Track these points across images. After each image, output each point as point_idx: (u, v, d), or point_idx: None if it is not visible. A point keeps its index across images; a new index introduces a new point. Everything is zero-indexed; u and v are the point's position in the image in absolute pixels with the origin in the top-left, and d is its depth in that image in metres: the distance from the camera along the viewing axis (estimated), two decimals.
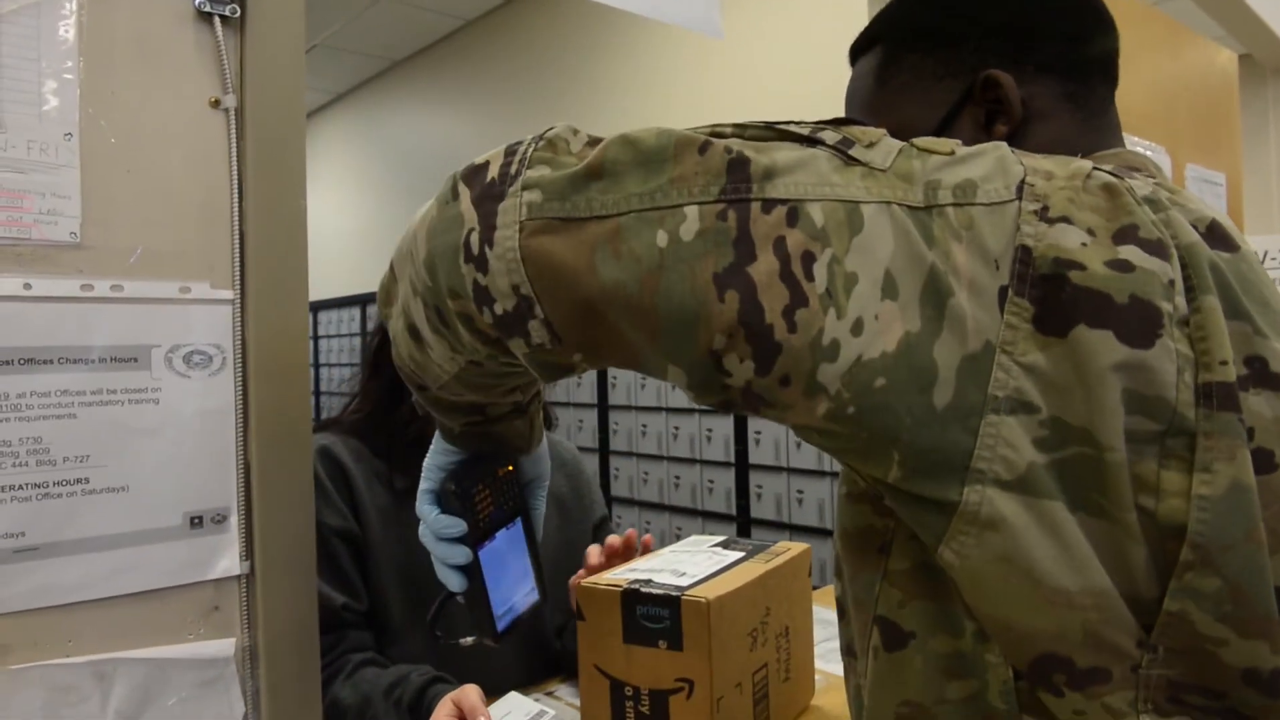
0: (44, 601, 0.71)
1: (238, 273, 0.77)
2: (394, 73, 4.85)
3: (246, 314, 0.78)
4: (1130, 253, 0.47)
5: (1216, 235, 0.52)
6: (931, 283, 0.46)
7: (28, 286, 0.70)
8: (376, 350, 1.38)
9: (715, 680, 0.90)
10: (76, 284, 0.72)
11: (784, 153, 0.50)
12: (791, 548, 1.12)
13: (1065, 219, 0.48)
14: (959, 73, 0.66)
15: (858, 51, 0.74)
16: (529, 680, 1.24)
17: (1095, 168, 0.52)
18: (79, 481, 0.72)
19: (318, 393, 5.63)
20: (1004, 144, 0.52)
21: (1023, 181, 0.49)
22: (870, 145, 0.50)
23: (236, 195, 0.77)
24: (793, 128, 0.52)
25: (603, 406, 3.47)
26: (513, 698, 1.09)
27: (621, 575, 0.99)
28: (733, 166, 0.49)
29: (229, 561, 0.78)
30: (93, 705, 0.72)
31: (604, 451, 3.47)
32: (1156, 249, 0.48)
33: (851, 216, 0.47)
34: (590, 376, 3.52)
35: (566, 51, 3.66)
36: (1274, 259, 4.20)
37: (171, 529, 0.76)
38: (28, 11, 0.70)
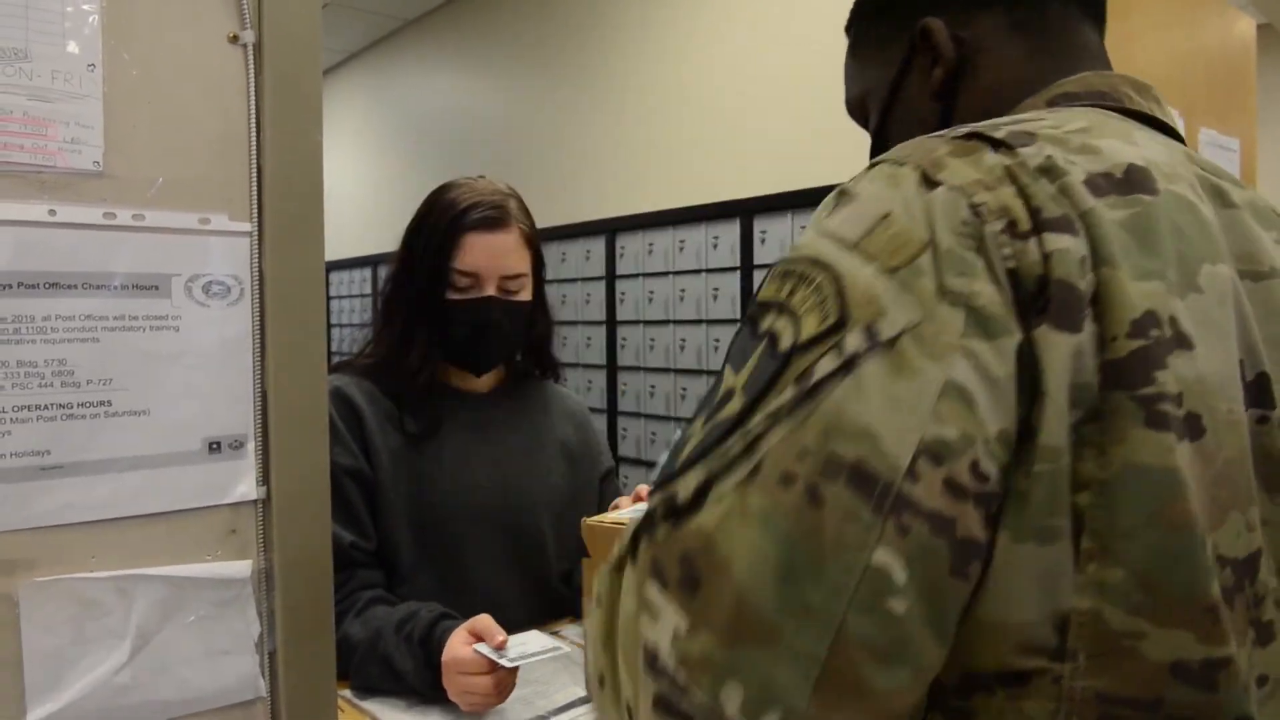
0: (68, 519, 0.73)
1: (255, 205, 0.79)
2: (406, 32, 4.83)
3: (264, 246, 0.79)
4: (1045, 238, 0.45)
5: (1134, 180, 0.49)
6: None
7: (52, 213, 0.72)
8: (389, 298, 1.40)
9: None
10: (99, 212, 0.73)
11: None
12: None
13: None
14: (902, 30, 0.67)
15: (846, 33, 0.78)
16: (533, 623, 1.28)
17: (991, 141, 0.49)
18: (102, 404, 0.74)
19: (329, 354, 5.66)
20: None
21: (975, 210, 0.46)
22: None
23: (254, 129, 0.79)
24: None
25: (611, 367, 3.50)
26: (530, 634, 1.12)
27: (626, 514, 1.02)
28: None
29: (246, 486, 0.80)
30: (115, 619, 0.75)
31: (612, 412, 3.50)
32: (1064, 225, 0.46)
33: None
34: (599, 337, 3.54)
35: (582, 11, 3.64)
36: None
37: (191, 453, 0.78)
38: None
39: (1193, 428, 0.45)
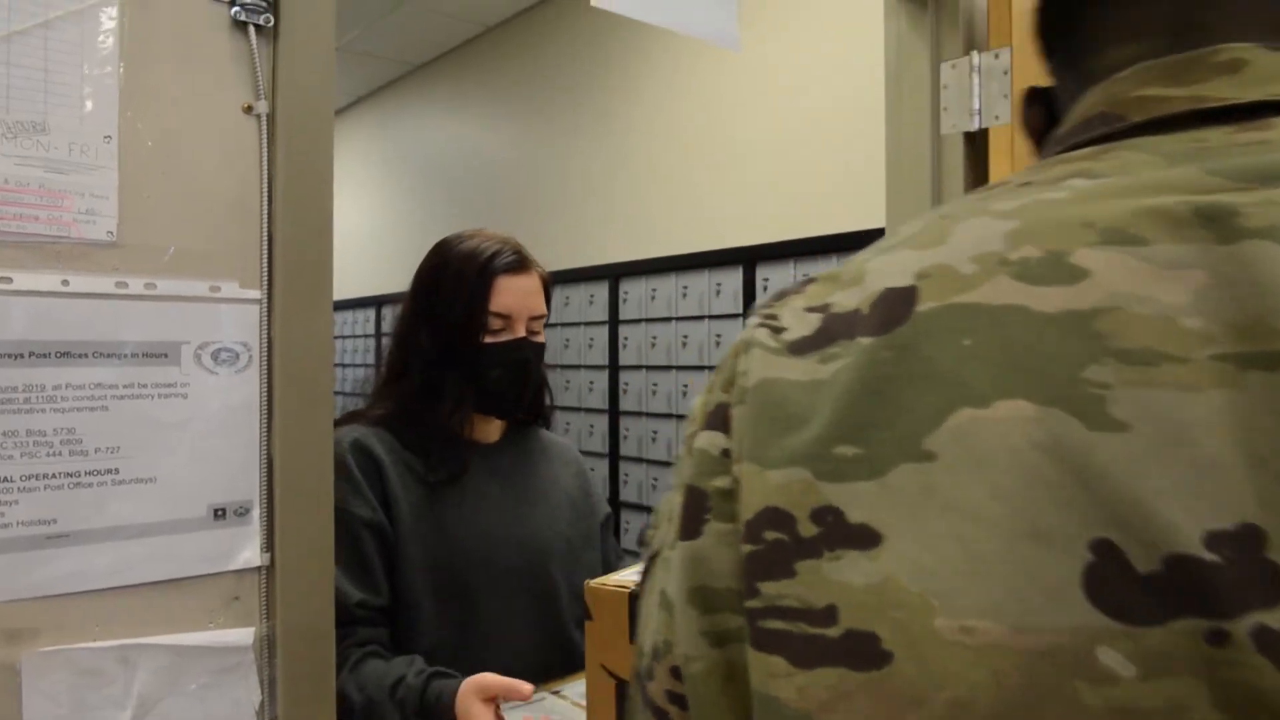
0: (73, 587, 0.73)
1: (265, 273, 0.80)
2: (414, 77, 4.90)
3: (273, 313, 0.80)
4: (699, 436, 0.40)
5: (868, 319, 0.36)
6: None
7: (65, 283, 0.73)
8: (409, 347, 1.39)
9: None
10: (112, 281, 0.74)
11: None
12: None
13: None
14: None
15: None
16: (549, 672, 1.26)
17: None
18: (109, 471, 0.74)
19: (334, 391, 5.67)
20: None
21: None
22: None
23: (266, 198, 0.80)
24: None
25: (614, 412, 3.50)
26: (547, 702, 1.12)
27: (629, 577, 1.01)
28: None
29: (250, 553, 0.80)
30: (117, 689, 0.75)
31: (614, 456, 3.49)
32: (717, 419, 0.40)
33: None
34: (602, 382, 3.55)
35: (585, 59, 3.70)
36: None
37: (196, 520, 0.78)
38: (72, 18, 0.73)
39: (861, 653, 0.32)
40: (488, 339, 1.32)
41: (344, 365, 5.56)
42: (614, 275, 3.48)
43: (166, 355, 0.77)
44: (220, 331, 0.79)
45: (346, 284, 5.52)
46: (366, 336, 5.30)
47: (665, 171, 3.28)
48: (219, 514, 0.79)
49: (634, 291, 3.40)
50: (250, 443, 0.80)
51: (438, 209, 4.68)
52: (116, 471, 0.74)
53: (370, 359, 5.27)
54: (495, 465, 1.39)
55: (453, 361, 1.34)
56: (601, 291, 3.55)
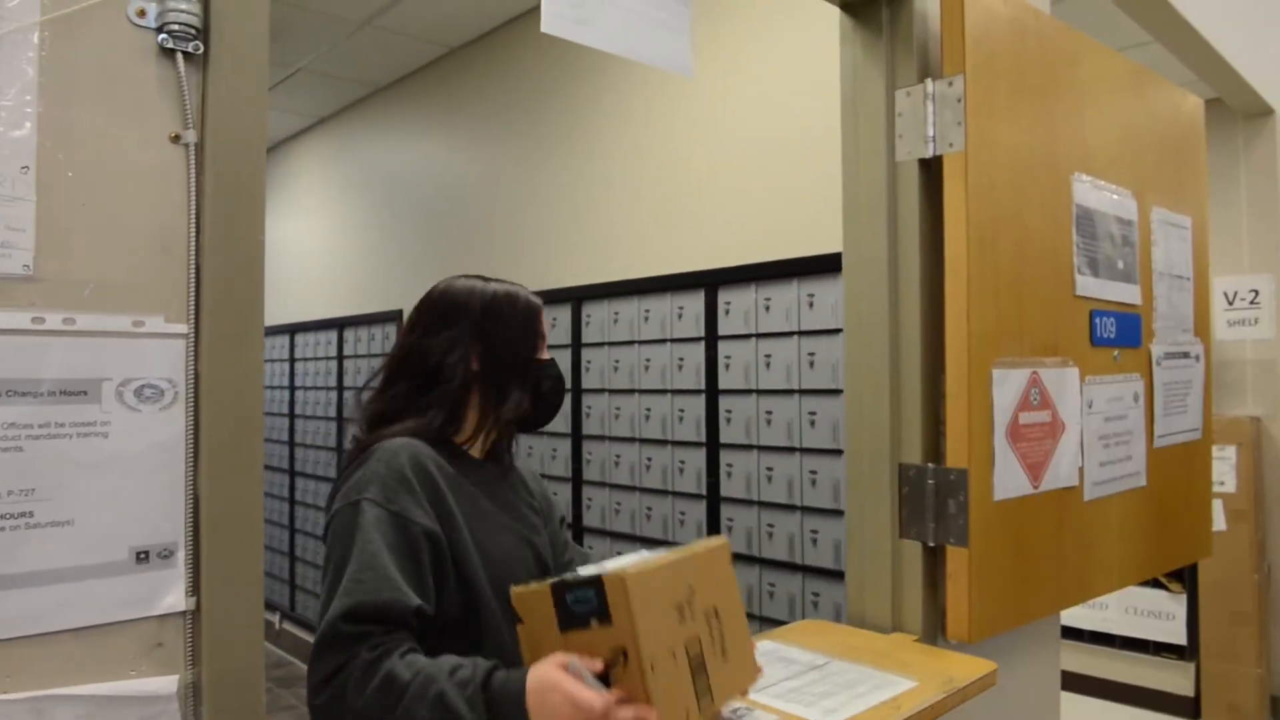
0: None
1: (193, 307, 0.77)
2: (376, 98, 4.87)
3: (200, 348, 0.77)
4: None
5: None
6: None
7: None
8: (444, 372, 1.34)
9: (644, 644, 0.93)
10: (28, 316, 0.71)
11: None
12: (711, 540, 1.15)
13: None
14: None
15: None
16: None
17: None
18: (23, 515, 0.71)
19: (292, 415, 5.60)
20: None
21: None
22: None
23: (194, 230, 0.78)
24: None
25: (576, 436, 3.47)
26: None
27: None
28: None
29: (174, 597, 0.77)
30: None
31: (576, 480, 3.46)
32: None
33: None
34: (565, 406, 3.52)
35: (548, 82, 3.69)
36: (1243, 299, 4.27)
37: (116, 564, 0.75)
38: None
39: None
40: (542, 357, 1.47)
41: (305, 388, 5.49)
42: (576, 298, 3.47)
43: (86, 393, 0.74)
44: (144, 367, 0.76)
45: (309, 306, 5.45)
46: (328, 359, 5.23)
47: (627, 195, 3.28)
48: (141, 557, 0.76)
49: (596, 315, 3.38)
50: (175, 482, 0.77)
51: (400, 231, 4.64)
52: (31, 515, 0.71)
53: (332, 381, 5.20)
54: (494, 480, 1.39)
55: (509, 379, 1.39)
56: (564, 315, 3.53)
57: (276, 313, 5.87)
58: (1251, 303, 4.18)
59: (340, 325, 5.09)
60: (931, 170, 1.63)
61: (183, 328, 0.77)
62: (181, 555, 0.77)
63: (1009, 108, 1.64)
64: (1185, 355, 2.20)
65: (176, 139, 0.78)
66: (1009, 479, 1.62)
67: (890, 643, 1.59)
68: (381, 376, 1.38)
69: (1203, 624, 4.20)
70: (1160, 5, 2.69)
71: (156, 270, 0.77)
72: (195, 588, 0.78)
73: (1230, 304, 4.32)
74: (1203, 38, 3.14)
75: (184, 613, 0.78)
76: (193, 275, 0.78)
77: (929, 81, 1.61)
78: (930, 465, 1.61)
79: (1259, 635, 4.05)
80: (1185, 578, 4.25)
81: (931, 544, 1.61)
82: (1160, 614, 4.29)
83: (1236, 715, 4.07)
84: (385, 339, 4.71)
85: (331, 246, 5.29)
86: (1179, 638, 4.26)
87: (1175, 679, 4.29)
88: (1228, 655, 4.11)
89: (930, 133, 1.61)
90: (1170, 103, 2.18)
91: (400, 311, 4.59)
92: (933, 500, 1.61)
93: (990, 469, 1.58)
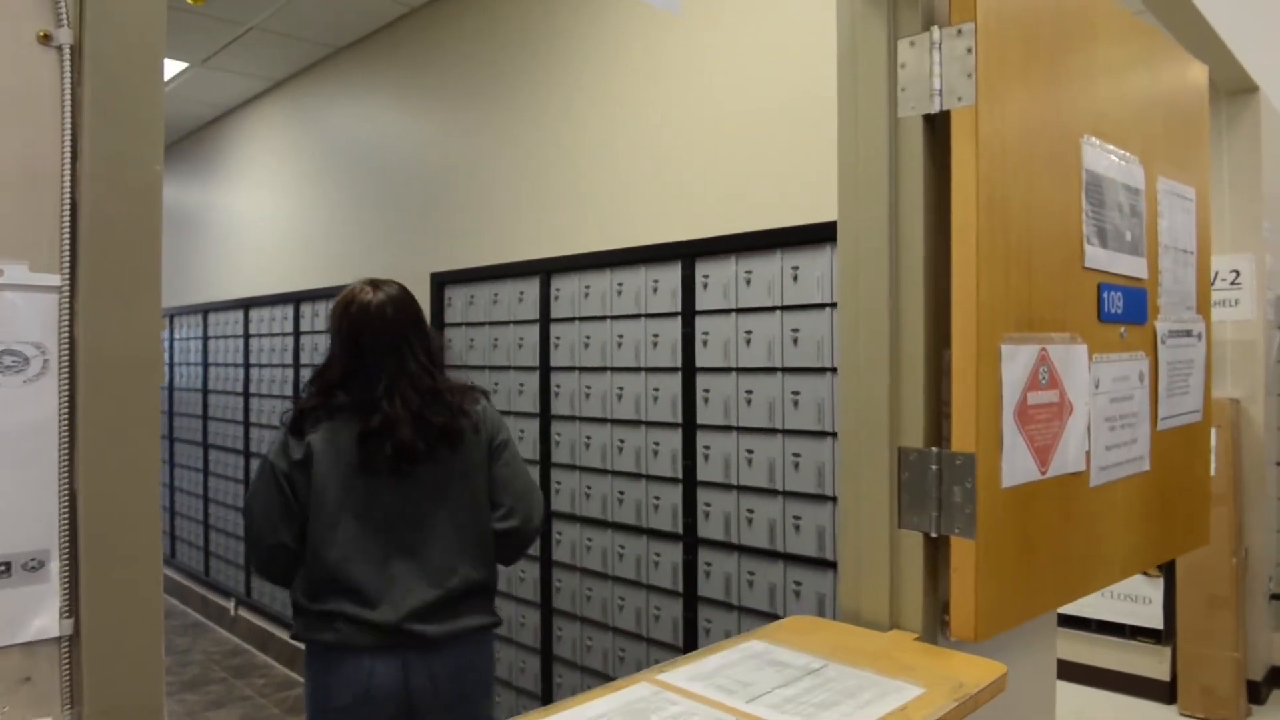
0: None
1: (67, 254, 0.61)
2: (335, 60, 4.64)
3: (78, 306, 0.61)
4: None
5: None
6: None
7: None
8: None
9: None
10: None
11: None
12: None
13: None
14: None
15: None
16: None
17: None
18: None
19: (247, 394, 5.38)
20: None
21: None
22: None
23: (68, 155, 0.61)
24: None
25: (544, 416, 3.32)
26: None
27: None
28: None
29: (46, 620, 0.61)
30: None
31: (545, 463, 3.31)
32: None
33: None
34: (532, 384, 3.36)
35: (517, 45, 3.51)
36: (1224, 279, 4.21)
37: None
38: None
39: None
40: None
41: (260, 365, 5.27)
42: (545, 271, 3.30)
43: None
44: (3, 329, 0.60)
45: (263, 280, 5.23)
46: (284, 335, 5.02)
47: (599, 162, 3.12)
48: (2, 570, 0.60)
49: (566, 288, 3.22)
50: (45, 476, 0.61)
51: (360, 202, 4.44)
52: None
53: (288, 358, 5.00)
54: None
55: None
56: (532, 288, 3.37)
57: (229, 286, 5.64)
58: (1233, 283, 4.11)
59: (297, 300, 4.88)
60: (937, 127, 1.49)
61: (54, 279, 0.61)
62: (54, 567, 0.62)
63: (1021, 60, 1.50)
64: (1188, 333, 2.10)
65: (46, 39, 0.61)
66: (1017, 464, 1.49)
67: (889, 642, 1.47)
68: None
69: (1180, 608, 4.16)
70: None
71: (17, 205, 0.60)
72: (73, 608, 0.62)
73: (1211, 284, 4.25)
74: (1195, 6, 3.04)
75: (58, 639, 0.62)
76: (67, 213, 0.62)
77: (935, 29, 1.47)
78: (934, 449, 1.48)
79: (1235, 619, 4.01)
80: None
81: (934, 535, 1.48)
82: (1137, 598, 4.24)
83: (1212, 699, 4.04)
84: None
85: (287, 217, 5.07)
86: (1156, 622, 4.21)
87: (1151, 663, 4.25)
88: (1204, 639, 4.07)
89: (937, 86, 1.46)
90: (1176, 67, 2.06)
91: None
92: (935, 487, 1.48)
93: (999, 453, 1.45)
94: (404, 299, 2.02)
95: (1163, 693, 4.25)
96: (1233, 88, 3.95)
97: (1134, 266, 1.86)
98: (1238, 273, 4.11)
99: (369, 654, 1.91)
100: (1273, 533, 4.42)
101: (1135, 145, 1.83)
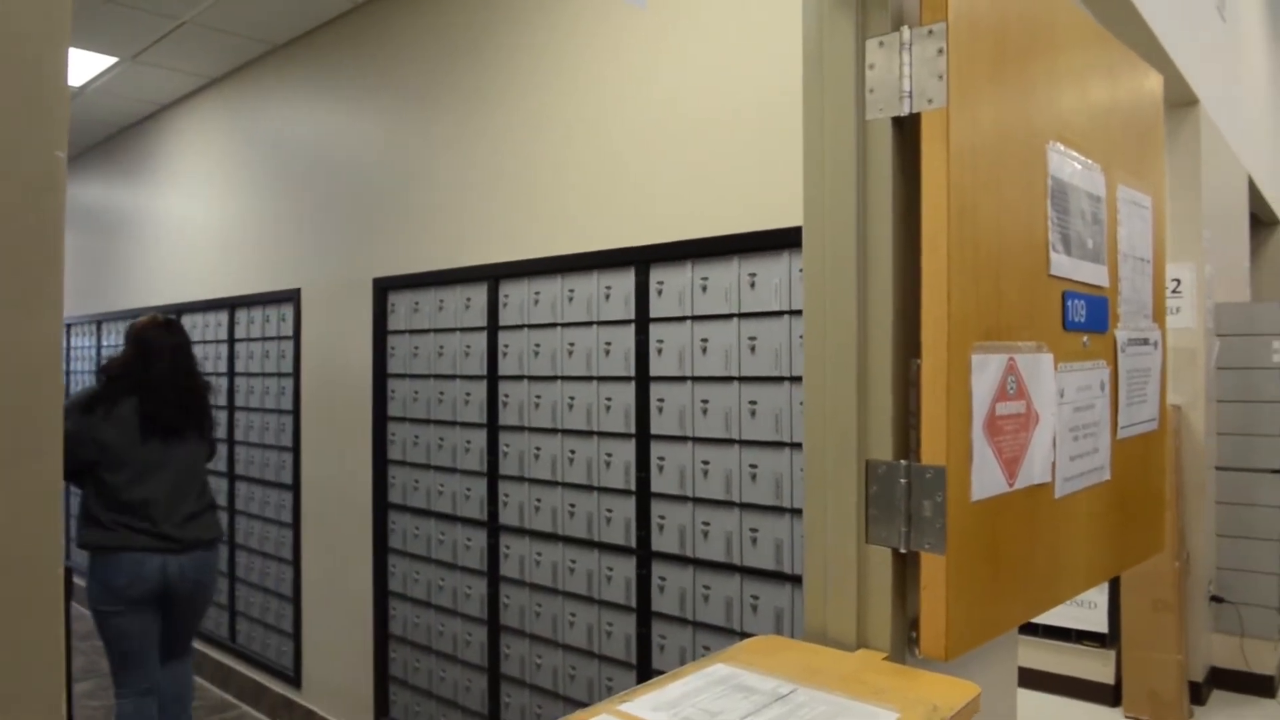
0: None
1: None
2: (272, 58, 4.48)
3: None
4: None
5: None
6: None
7: None
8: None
9: None
10: None
11: None
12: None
13: None
14: None
15: None
16: None
17: None
18: None
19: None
20: None
21: None
22: None
23: None
24: None
25: (492, 426, 3.22)
26: None
27: None
28: None
29: None
30: None
31: (492, 475, 3.21)
32: None
33: None
34: (479, 393, 3.26)
35: (466, 43, 3.41)
36: (1165, 288, 4.27)
37: None
38: None
39: None
40: None
41: None
42: (493, 277, 3.21)
43: None
44: None
45: (195, 285, 5.04)
46: (219, 342, 4.84)
47: (551, 166, 3.04)
48: None
49: (515, 294, 3.14)
50: None
51: (300, 205, 4.29)
52: None
53: (222, 366, 4.81)
54: None
55: None
56: (479, 294, 3.27)
57: (160, 291, 5.43)
58: (1174, 292, 4.18)
59: (232, 306, 4.71)
60: (906, 130, 1.45)
61: None
62: None
63: (992, 62, 1.47)
64: (1146, 342, 2.09)
65: None
66: (986, 476, 1.45)
67: (858, 663, 1.41)
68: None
69: (1124, 612, 4.21)
70: None
71: None
72: None
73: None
74: (1142, 17, 3.07)
75: None
76: None
77: (905, 29, 1.43)
78: (903, 462, 1.43)
79: (1178, 623, 4.07)
80: None
81: (903, 550, 1.43)
82: (1083, 602, 4.28)
83: (1156, 702, 4.08)
84: (281, 320, 4.36)
85: (223, 220, 4.88)
86: (1101, 626, 4.26)
87: (1097, 667, 4.30)
88: (1148, 643, 4.11)
89: (906, 88, 1.42)
90: (1135, 76, 2.05)
91: (299, 291, 4.25)
92: (904, 501, 1.43)
93: (969, 466, 1.41)
94: (179, 327, 3.38)
95: (1108, 696, 4.29)
96: (1175, 100, 4.02)
97: (1096, 274, 1.84)
98: (1178, 281, 4.18)
99: (142, 552, 3.08)
100: (1213, 537, 4.51)
101: (1097, 152, 1.82)
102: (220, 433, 4.85)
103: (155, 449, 3.14)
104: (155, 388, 3.16)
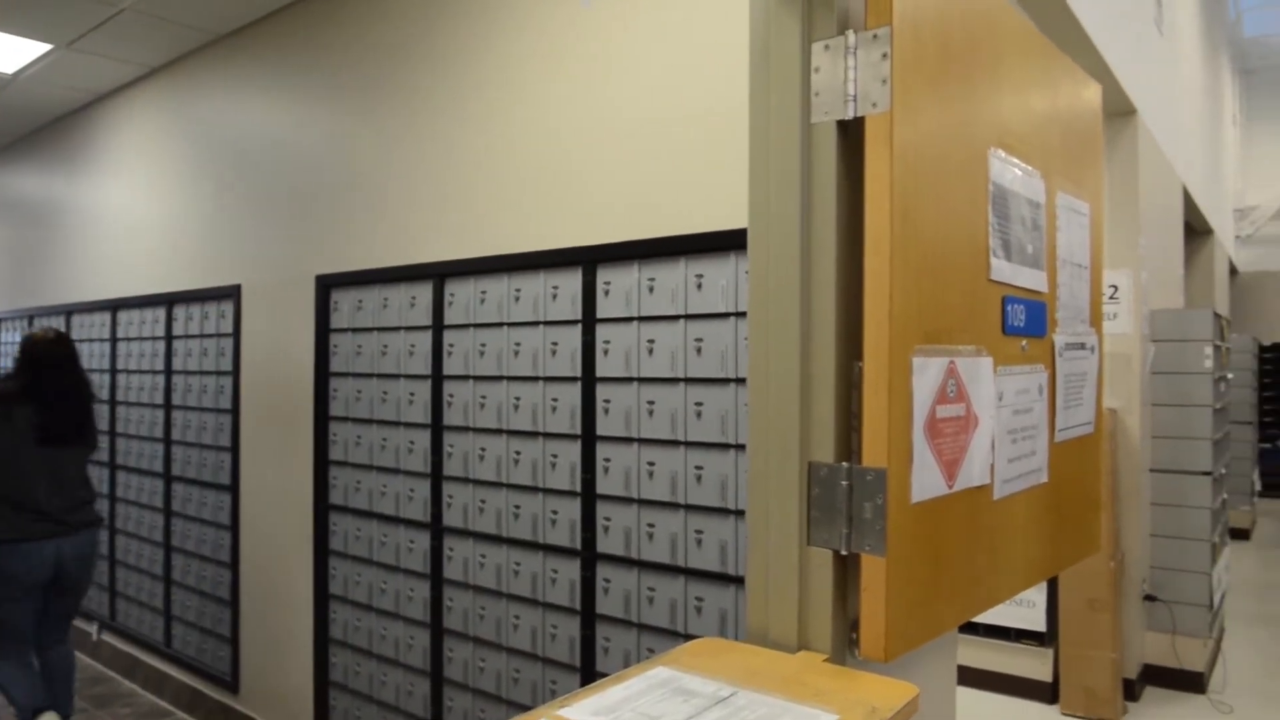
0: None
1: None
2: (215, 48, 4.37)
3: None
4: None
5: None
6: None
7: None
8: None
9: None
10: None
11: None
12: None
13: None
14: None
15: None
16: None
17: None
18: None
19: (114, 402, 5.03)
20: None
21: None
22: None
23: None
24: None
25: (436, 426, 3.18)
26: None
27: None
28: None
29: None
30: None
31: (437, 476, 3.17)
32: None
33: None
34: (423, 392, 3.22)
35: (413, 38, 3.36)
36: (1103, 294, 4.37)
37: None
38: None
39: None
40: None
41: (129, 371, 4.94)
42: (439, 275, 3.17)
43: None
44: None
45: (132, 280, 4.90)
46: (155, 339, 4.71)
47: (498, 164, 3.01)
48: None
49: (461, 293, 3.10)
50: None
51: (241, 199, 4.19)
52: None
53: (159, 364, 4.69)
54: None
55: None
56: (424, 293, 3.23)
57: (95, 287, 5.28)
58: (1111, 298, 4.28)
59: (170, 301, 4.60)
60: (851, 134, 1.45)
61: None
62: None
63: (935, 68, 1.48)
64: (1082, 346, 2.13)
65: None
66: (926, 478, 1.47)
67: (799, 664, 1.42)
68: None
69: (1061, 611, 4.29)
70: None
71: None
72: None
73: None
74: (1083, 28, 3.13)
75: None
76: None
77: (851, 33, 1.43)
78: (844, 465, 1.44)
79: (1113, 621, 4.16)
80: None
81: (844, 552, 1.43)
82: (1022, 602, 4.36)
83: (1092, 699, 4.18)
84: (220, 317, 4.26)
85: (161, 214, 4.76)
86: (1039, 625, 4.34)
87: (1035, 665, 4.38)
88: (1084, 641, 4.21)
89: (851, 91, 1.43)
90: (1074, 85, 2.09)
91: (239, 287, 4.16)
92: (846, 503, 1.44)
93: (909, 468, 1.42)
94: (68, 339, 3.82)
95: (1046, 693, 4.38)
96: (1114, 110, 4.11)
97: (1035, 280, 1.87)
98: (1116, 287, 4.28)
99: (39, 540, 3.55)
100: (1147, 537, 4.62)
101: (1037, 159, 1.84)
102: (158, 431, 4.73)
103: (48, 453, 3.63)
104: (49, 403, 3.64)
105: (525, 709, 2.86)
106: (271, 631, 3.98)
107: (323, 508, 3.68)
